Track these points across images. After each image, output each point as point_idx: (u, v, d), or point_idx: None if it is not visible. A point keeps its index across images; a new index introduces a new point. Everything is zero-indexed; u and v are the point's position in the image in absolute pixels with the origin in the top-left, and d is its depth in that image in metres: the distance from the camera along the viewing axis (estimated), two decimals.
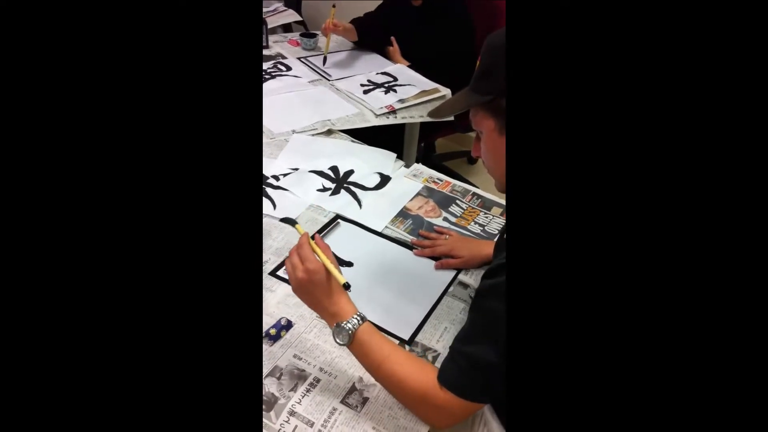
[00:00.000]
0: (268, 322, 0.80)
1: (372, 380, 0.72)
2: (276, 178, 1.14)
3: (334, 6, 1.71)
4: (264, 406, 0.69)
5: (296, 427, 0.67)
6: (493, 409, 0.76)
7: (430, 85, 1.58)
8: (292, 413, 0.69)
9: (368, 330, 0.67)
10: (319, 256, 0.68)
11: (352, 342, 0.66)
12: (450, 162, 2.34)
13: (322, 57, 1.72)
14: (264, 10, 2.13)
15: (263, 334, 0.78)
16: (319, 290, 0.67)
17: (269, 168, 1.17)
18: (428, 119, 1.51)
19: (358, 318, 0.66)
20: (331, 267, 0.67)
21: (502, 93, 0.60)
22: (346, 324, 0.66)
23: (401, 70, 1.67)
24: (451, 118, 1.54)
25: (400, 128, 1.66)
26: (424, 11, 1.69)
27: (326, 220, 1.04)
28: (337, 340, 0.67)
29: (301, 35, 1.87)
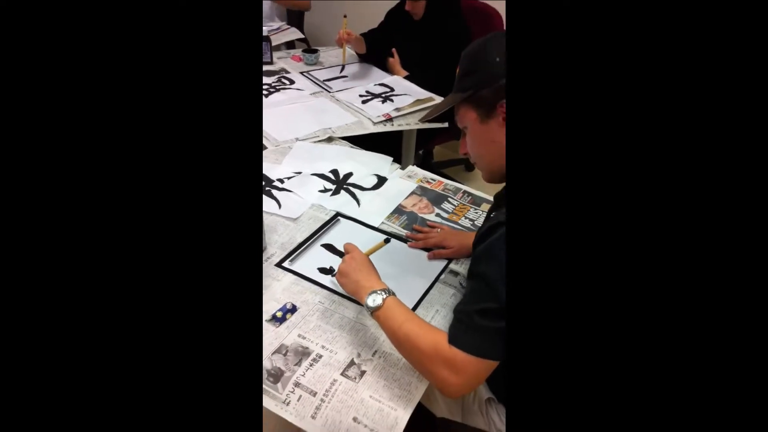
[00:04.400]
0: (275, 306, 0.88)
1: (369, 355, 0.80)
2: (281, 181, 1.23)
3: (345, 16, 1.81)
4: (272, 379, 0.76)
5: (300, 396, 0.75)
6: (496, 399, 0.84)
7: (425, 94, 1.67)
8: (297, 384, 0.76)
9: (393, 300, 0.78)
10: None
11: (381, 307, 0.76)
12: (448, 170, 2.42)
13: (322, 69, 1.86)
14: (269, 28, 2.25)
15: (271, 317, 0.86)
16: (357, 272, 0.83)
17: (274, 172, 1.26)
18: (424, 126, 1.60)
19: (388, 291, 0.79)
20: (371, 249, 0.93)
21: (480, 85, 0.70)
22: (380, 293, 0.77)
23: (397, 81, 1.77)
24: (446, 125, 1.64)
25: (398, 136, 1.75)
26: (424, 26, 1.79)
27: (327, 218, 1.12)
28: (368, 303, 0.77)
29: (303, 51, 1.98)
